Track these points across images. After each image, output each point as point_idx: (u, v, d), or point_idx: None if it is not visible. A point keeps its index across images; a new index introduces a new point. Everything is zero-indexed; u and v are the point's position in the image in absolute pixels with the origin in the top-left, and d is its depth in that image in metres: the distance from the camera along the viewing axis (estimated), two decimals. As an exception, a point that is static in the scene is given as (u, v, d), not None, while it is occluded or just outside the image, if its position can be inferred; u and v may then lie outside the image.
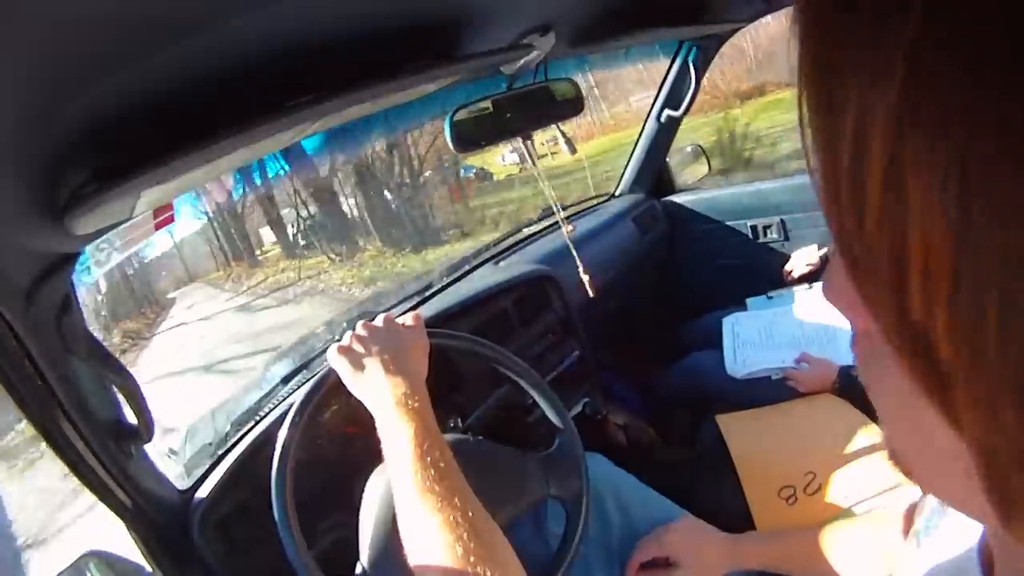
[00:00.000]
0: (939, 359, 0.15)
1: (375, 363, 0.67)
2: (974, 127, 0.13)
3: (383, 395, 0.65)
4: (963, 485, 0.18)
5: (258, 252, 15.15)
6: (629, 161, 1.75)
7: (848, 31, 0.15)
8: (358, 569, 0.69)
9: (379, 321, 0.74)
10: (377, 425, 0.64)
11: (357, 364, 0.68)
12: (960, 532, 0.29)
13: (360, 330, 0.72)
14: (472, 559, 0.51)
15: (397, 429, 0.61)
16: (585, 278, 1.10)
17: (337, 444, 0.85)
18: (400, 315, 0.77)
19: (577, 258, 1.10)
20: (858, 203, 0.16)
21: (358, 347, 0.70)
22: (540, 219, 1.63)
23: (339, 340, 0.73)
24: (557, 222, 1.59)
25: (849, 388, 1.07)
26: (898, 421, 0.20)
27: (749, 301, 1.50)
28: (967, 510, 0.21)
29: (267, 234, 14.68)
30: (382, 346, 0.69)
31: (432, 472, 0.57)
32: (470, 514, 0.55)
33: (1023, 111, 0.13)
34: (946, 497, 0.22)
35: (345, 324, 0.88)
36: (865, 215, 0.15)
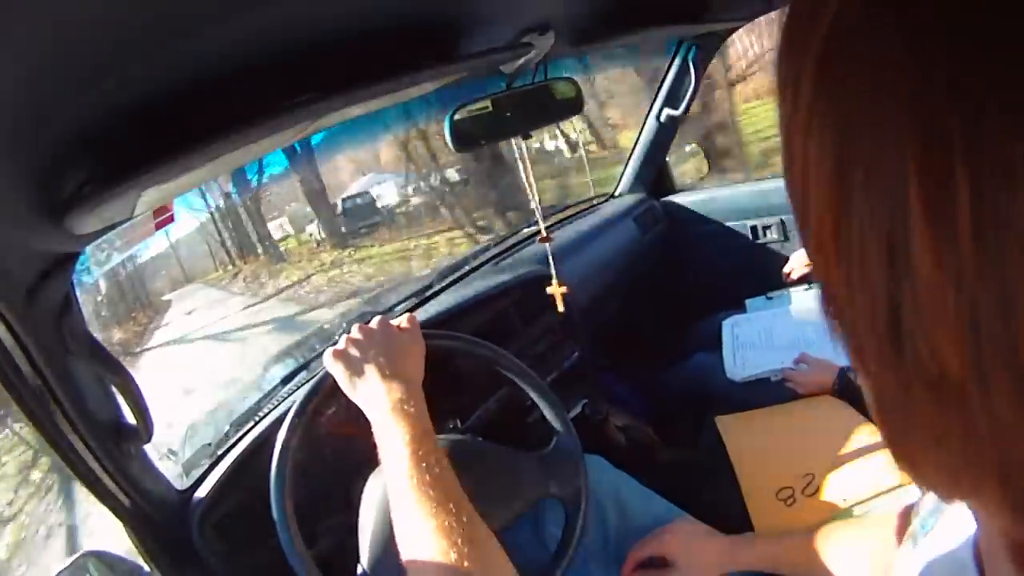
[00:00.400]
0: (951, 376, 0.15)
1: (370, 367, 0.67)
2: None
3: (378, 399, 0.64)
4: (978, 488, 0.18)
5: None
6: (628, 161, 1.75)
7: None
8: (359, 571, 0.69)
9: (375, 324, 0.73)
10: (373, 429, 0.64)
11: (352, 368, 0.68)
12: (956, 531, 0.29)
13: (355, 333, 0.72)
14: (466, 564, 0.51)
15: (392, 433, 0.61)
16: (559, 291, 1.06)
17: (336, 445, 0.85)
18: (396, 317, 0.77)
19: (553, 271, 1.08)
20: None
21: (353, 351, 0.70)
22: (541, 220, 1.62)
23: (335, 343, 0.73)
24: (556, 224, 1.60)
25: (848, 389, 1.07)
26: (895, 415, 0.20)
27: (748, 302, 1.50)
28: (977, 508, 0.21)
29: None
30: (377, 349, 0.69)
31: (427, 477, 0.57)
32: (464, 519, 0.55)
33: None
34: (945, 491, 0.21)
35: (344, 325, 0.88)
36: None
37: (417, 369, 0.71)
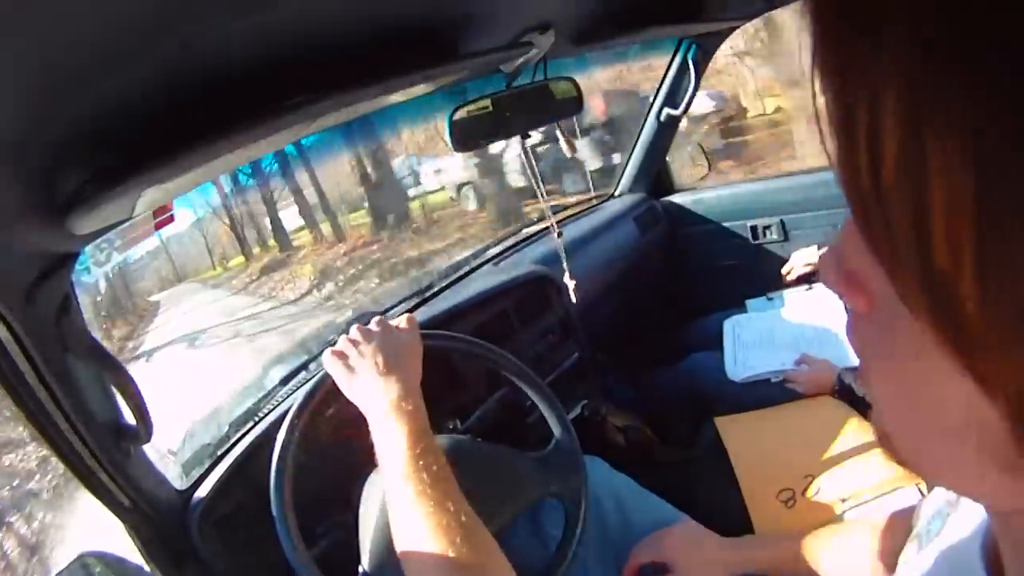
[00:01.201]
0: (964, 308, 0.15)
1: (368, 367, 0.67)
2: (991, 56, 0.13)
3: (376, 399, 0.65)
4: (973, 464, 0.18)
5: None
6: (628, 160, 1.75)
7: None
8: (359, 571, 0.69)
9: (373, 324, 0.73)
10: (371, 428, 0.64)
11: (351, 368, 0.68)
12: (962, 534, 0.29)
13: (354, 334, 0.72)
14: (465, 563, 0.51)
15: (390, 433, 0.61)
16: (571, 284, 1.10)
17: (336, 445, 0.85)
18: (395, 318, 0.77)
19: (565, 264, 1.10)
20: (875, 157, 0.15)
21: (352, 351, 0.70)
22: (540, 220, 1.62)
23: (334, 343, 0.73)
24: (557, 223, 1.60)
25: (848, 390, 1.07)
26: (902, 402, 0.20)
27: (748, 303, 1.50)
28: (974, 492, 0.21)
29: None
30: (375, 350, 0.69)
31: (425, 476, 0.57)
32: (463, 518, 0.55)
33: None
34: (951, 481, 0.21)
35: (344, 326, 0.88)
36: (883, 167, 0.15)
37: (415, 369, 0.71)
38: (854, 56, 0.16)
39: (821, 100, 0.17)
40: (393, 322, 0.76)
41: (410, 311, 1.16)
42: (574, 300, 1.11)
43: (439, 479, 0.58)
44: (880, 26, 0.15)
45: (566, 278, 1.10)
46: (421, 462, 0.58)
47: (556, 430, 0.84)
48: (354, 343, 0.71)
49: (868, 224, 0.17)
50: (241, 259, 14.82)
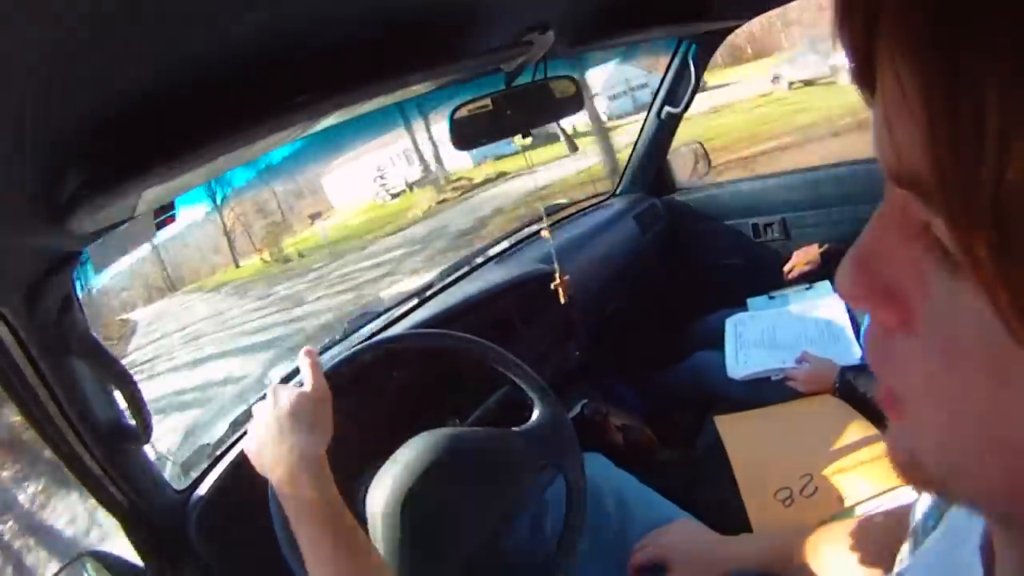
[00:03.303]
0: None
1: (267, 439, 0.64)
2: None
3: (276, 470, 0.62)
4: (1001, 482, 0.18)
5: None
6: (629, 159, 1.75)
7: None
8: None
9: (268, 393, 0.69)
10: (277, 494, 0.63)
11: (255, 441, 0.65)
12: (960, 531, 0.29)
13: (256, 406, 0.69)
14: None
15: (292, 500, 0.61)
16: (562, 284, 1.09)
17: (335, 444, 0.85)
18: (294, 380, 0.73)
19: (556, 265, 1.10)
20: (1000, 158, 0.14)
21: (254, 424, 0.67)
22: (541, 218, 1.62)
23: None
24: (557, 222, 1.60)
25: (848, 389, 1.07)
26: (962, 420, 0.18)
27: (750, 301, 1.50)
28: (998, 509, 0.20)
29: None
30: (271, 420, 0.65)
31: (332, 536, 0.58)
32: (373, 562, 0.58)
33: None
34: (1004, 503, 0.20)
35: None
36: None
37: (320, 427, 0.67)
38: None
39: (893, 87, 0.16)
40: (295, 380, 0.73)
41: (411, 310, 1.16)
42: (563, 300, 1.10)
43: (345, 537, 0.59)
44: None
45: (556, 278, 1.10)
46: (326, 525, 0.59)
47: (536, 401, 0.83)
48: (256, 424, 0.67)
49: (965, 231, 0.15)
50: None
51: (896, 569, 0.36)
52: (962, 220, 0.15)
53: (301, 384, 0.69)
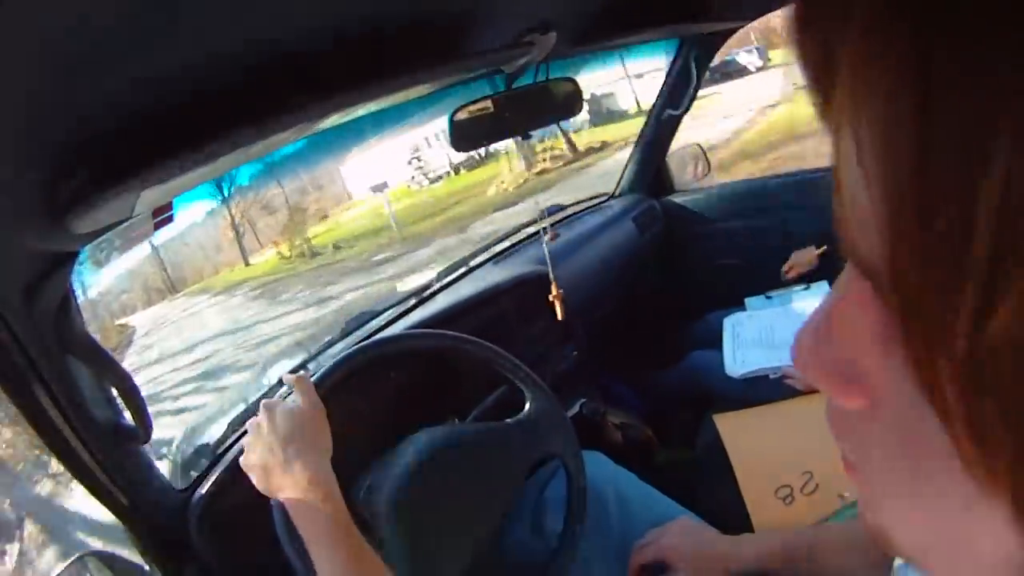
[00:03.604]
0: (996, 427, 0.12)
1: (272, 463, 0.64)
2: None
3: (289, 491, 0.62)
4: None
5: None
6: (628, 161, 1.75)
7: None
8: None
9: (261, 412, 0.68)
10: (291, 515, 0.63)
11: (257, 468, 0.65)
12: None
13: (252, 428, 0.68)
14: None
15: (308, 519, 0.61)
16: (558, 298, 1.11)
17: (335, 444, 0.85)
18: (287, 396, 0.72)
19: (551, 275, 1.11)
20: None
21: (253, 448, 0.66)
22: (540, 219, 1.62)
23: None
24: (556, 223, 1.60)
25: None
26: (903, 502, 0.16)
27: (748, 301, 1.50)
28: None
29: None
30: (272, 441, 0.64)
31: (345, 552, 0.59)
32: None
33: None
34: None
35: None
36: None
37: (320, 443, 0.67)
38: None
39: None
40: (284, 396, 0.72)
41: (409, 311, 1.16)
42: (560, 316, 1.11)
43: (355, 553, 0.59)
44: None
45: (553, 293, 1.11)
46: (339, 540, 0.59)
47: (527, 392, 0.83)
48: (252, 444, 0.67)
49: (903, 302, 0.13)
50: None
51: (898, 563, 0.36)
52: (924, 346, 0.13)
53: (292, 396, 0.69)
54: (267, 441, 0.64)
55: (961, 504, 0.14)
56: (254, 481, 0.65)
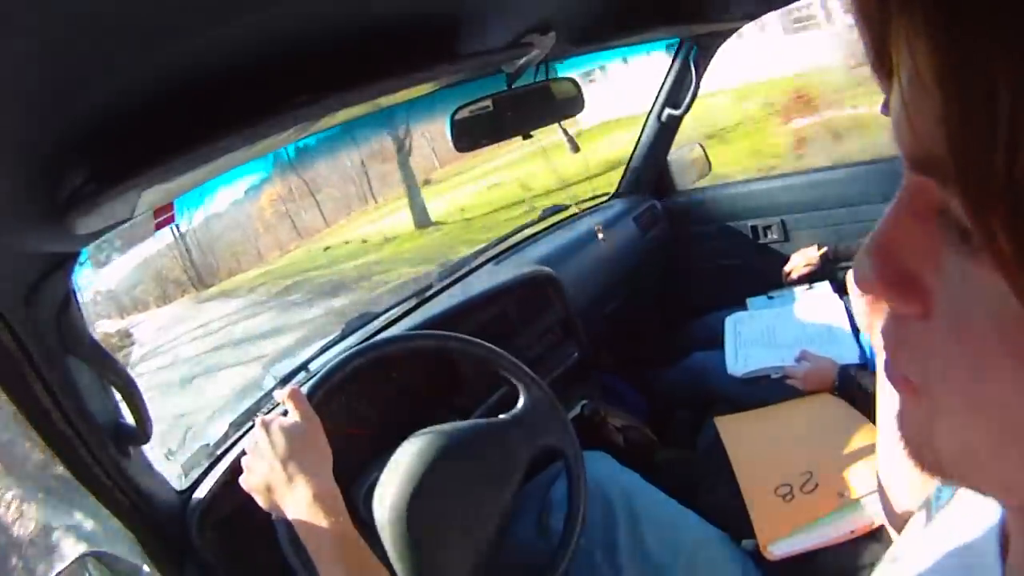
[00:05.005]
0: None
1: (275, 480, 0.64)
2: None
3: (295, 507, 0.62)
4: (1019, 471, 0.17)
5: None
6: (630, 161, 1.75)
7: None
8: None
9: (257, 428, 0.67)
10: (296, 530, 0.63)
11: (260, 487, 0.65)
12: (975, 508, 0.28)
13: (250, 446, 0.68)
14: None
15: (314, 532, 0.61)
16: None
17: (335, 445, 0.85)
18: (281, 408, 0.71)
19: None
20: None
21: (253, 467, 0.66)
22: (541, 219, 1.62)
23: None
24: (557, 224, 1.60)
25: (847, 387, 1.07)
26: (958, 400, 0.18)
27: (749, 301, 1.51)
28: (1014, 500, 0.20)
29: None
30: (273, 458, 0.64)
31: (349, 564, 0.59)
32: None
33: None
34: (993, 485, 0.20)
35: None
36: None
37: (320, 454, 0.67)
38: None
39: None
40: (278, 411, 0.72)
41: (409, 311, 1.16)
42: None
43: (361, 565, 0.60)
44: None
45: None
46: (345, 554, 0.59)
47: (520, 386, 0.83)
48: (249, 464, 0.67)
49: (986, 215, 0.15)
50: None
51: (909, 536, 0.35)
52: (978, 200, 0.15)
53: (285, 412, 0.69)
54: (267, 460, 0.64)
55: (1015, 378, 0.16)
56: (258, 501, 0.65)
